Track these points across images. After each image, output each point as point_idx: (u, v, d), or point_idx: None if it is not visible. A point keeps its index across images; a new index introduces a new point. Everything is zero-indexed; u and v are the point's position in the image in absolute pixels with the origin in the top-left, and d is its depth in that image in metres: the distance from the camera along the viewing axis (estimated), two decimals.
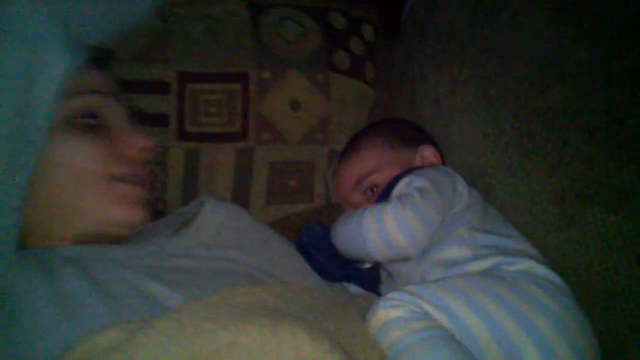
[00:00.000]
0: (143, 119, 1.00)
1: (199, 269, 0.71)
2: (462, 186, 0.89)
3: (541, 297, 0.72)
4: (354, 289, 0.91)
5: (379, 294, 0.87)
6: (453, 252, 0.79)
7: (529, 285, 0.73)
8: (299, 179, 1.11)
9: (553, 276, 0.77)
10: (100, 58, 0.85)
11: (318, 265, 0.87)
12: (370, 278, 0.90)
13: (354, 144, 1.03)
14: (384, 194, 0.89)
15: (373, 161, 0.98)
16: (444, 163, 1.02)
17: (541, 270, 0.77)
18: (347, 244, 0.83)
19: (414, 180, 0.85)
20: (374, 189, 0.96)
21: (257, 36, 1.09)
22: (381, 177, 0.96)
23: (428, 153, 1.00)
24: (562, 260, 0.82)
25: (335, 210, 1.12)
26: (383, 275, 0.91)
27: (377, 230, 0.78)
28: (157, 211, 1.03)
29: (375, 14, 1.24)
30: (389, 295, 0.68)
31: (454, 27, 1.09)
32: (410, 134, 1.03)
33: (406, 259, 0.81)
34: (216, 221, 0.82)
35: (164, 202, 1.04)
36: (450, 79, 1.07)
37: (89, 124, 0.73)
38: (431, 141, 1.04)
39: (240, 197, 1.08)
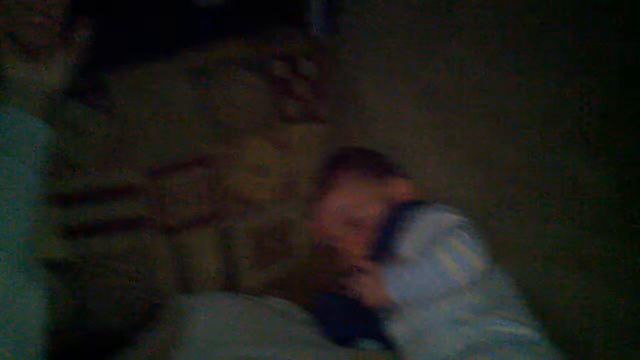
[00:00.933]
0: (122, 226, 1.03)
1: None
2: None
3: None
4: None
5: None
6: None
7: None
8: (279, 239, 1.16)
9: None
10: None
11: (338, 330, 0.95)
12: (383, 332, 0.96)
13: (329, 179, 1.08)
14: (388, 230, 0.97)
15: (353, 196, 1.04)
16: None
17: None
18: (423, 289, 0.87)
19: (442, 215, 0.94)
20: (356, 224, 1.02)
21: (210, 113, 1.09)
22: (364, 212, 1.02)
23: (403, 188, 1.06)
24: None
25: (316, 259, 1.18)
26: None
27: (456, 261, 0.85)
28: (153, 304, 1.07)
29: (308, 41, 1.24)
30: None
31: (399, 60, 1.11)
32: (379, 166, 1.09)
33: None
34: (202, 328, 0.88)
35: (160, 296, 1.07)
36: (400, 114, 1.11)
37: None
38: (398, 171, 1.10)
39: (230, 271, 1.12)
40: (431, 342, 0.87)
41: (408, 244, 0.94)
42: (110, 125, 1.03)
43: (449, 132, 1.01)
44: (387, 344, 0.94)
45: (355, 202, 1.03)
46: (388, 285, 0.88)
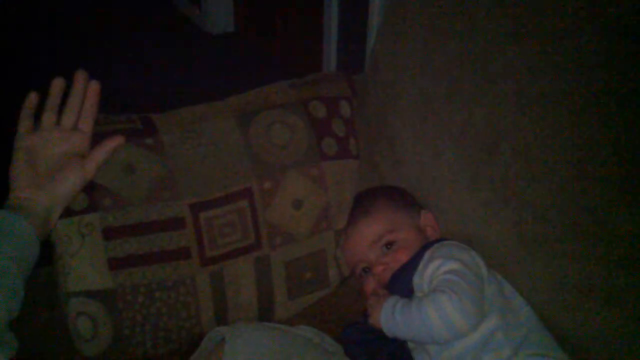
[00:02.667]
0: (166, 257, 1.08)
1: None
2: (478, 259, 1.02)
3: None
4: None
5: None
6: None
7: None
8: (313, 270, 1.21)
9: None
10: None
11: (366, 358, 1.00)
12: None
13: (365, 206, 1.16)
14: (409, 265, 1.03)
15: (387, 221, 1.12)
16: None
17: None
18: (408, 332, 0.95)
19: (445, 263, 0.98)
20: (390, 246, 1.09)
21: (250, 150, 1.15)
22: (398, 235, 1.10)
23: (431, 220, 1.15)
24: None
25: (347, 289, 1.23)
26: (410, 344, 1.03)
27: (442, 321, 0.90)
28: (193, 334, 1.12)
29: (347, 84, 1.30)
30: None
31: (430, 101, 1.17)
32: (410, 199, 1.18)
33: None
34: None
35: (200, 325, 1.12)
36: (433, 152, 1.16)
37: None
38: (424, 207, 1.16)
39: (264, 300, 1.18)
40: None
41: (418, 280, 1.00)
42: (158, 163, 1.08)
43: (480, 172, 1.06)
44: None
45: (389, 227, 1.10)
46: (381, 316, 0.96)
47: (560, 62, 0.97)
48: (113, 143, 1.05)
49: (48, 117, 1.02)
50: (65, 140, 1.02)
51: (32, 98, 1.01)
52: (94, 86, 1.05)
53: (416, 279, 1.01)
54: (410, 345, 1.01)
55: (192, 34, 2.78)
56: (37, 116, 1.02)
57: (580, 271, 0.95)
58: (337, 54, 1.91)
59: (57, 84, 1.03)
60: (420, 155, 1.18)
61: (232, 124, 1.15)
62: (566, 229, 0.95)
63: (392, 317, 0.96)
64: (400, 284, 1.03)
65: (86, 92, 1.04)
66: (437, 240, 1.08)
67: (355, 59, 1.58)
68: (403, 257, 1.07)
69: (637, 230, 0.88)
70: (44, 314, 1.15)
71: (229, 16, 3.25)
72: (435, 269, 0.98)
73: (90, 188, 1.06)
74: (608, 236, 0.91)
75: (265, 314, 1.18)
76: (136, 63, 1.76)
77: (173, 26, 2.85)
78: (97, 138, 1.06)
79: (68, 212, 1.05)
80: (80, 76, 1.04)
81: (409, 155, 1.20)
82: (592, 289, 0.94)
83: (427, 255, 1.03)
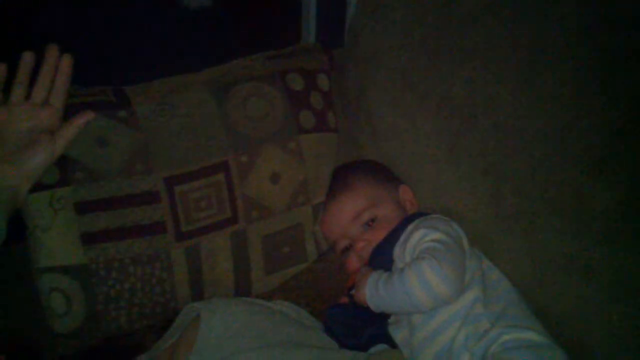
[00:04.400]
0: (140, 232, 1.06)
1: None
2: (460, 232, 1.02)
3: None
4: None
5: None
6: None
7: None
8: (291, 244, 1.20)
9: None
10: None
11: (347, 340, 1.00)
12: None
13: (344, 182, 1.16)
14: (389, 239, 1.03)
15: (367, 197, 1.12)
16: None
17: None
18: (393, 304, 0.94)
19: (428, 234, 0.97)
20: (371, 223, 1.09)
21: (226, 122, 1.13)
22: (378, 211, 1.09)
23: (409, 195, 1.15)
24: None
25: (325, 264, 1.22)
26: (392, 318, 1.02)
27: (422, 287, 0.90)
28: (168, 309, 1.11)
29: (325, 57, 1.28)
30: None
31: (409, 74, 1.16)
32: (389, 174, 1.18)
33: None
34: (215, 335, 0.94)
35: (175, 300, 1.11)
36: (411, 126, 1.15)
37: None
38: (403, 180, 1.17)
39: (241, 275, 1.17)
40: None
41: (399, 252, 1.00)
42: (132, 135, 1.06)
43: (458, 144, 1.05)
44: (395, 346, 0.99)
45: (369, 202, 1.09)
46: (366, 290, 0.95)
47: (540, 33, 0.96)
48: (83, 119, 1.02)
49: (17, 92, 0.99)
50: (34, 115, 1.00)
51: (1, 71, 0.98)
52: (66, 60, 1.02)
53: (397, 251, 1.01)
54: (394, 319, 1.01)
55: (167, 7, 2.72)
56: (6, 90, 0.99)
57: (559, 245, 0.94)
58: (317, 29, 1.88)
59: (27, 58, 1.00)
60: (398, 128, 1.16)
61: (208, 96, 1.13)
62: (545, 204, 0.95)
63: (376, 292, 0.95)
64: (382, 258, 1.02)
65: (58, 66, 1.02)
66: (419, 214, 1.07)
67: (335, 33, 1.56)
68: (383, 233, 1.06)
69: (614, 205, 0.88)
70: (17, 290, 1.13)
71: None
72: (418, 239, 0.98)
73: (62, 161, 1.03)
74: (586, 211, 0.90)
75: (242, 288, 1.17)
76: (110, 36, 1.72)
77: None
78: (69, 110, 1.04)
79: (39, 186, 1.02)
80: (51, 50, 1.01)
81: (387, 128, 1.19)
82: (570, 264, 0.93)
83: (410, 227, 1.02)
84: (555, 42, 0.95)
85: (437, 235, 0.96)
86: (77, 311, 1.06)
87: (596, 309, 0.92)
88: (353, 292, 0.99)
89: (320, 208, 1.21)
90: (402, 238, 1.00)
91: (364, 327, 1.00)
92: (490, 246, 1.03)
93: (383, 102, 1.19)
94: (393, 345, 0.98)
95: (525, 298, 0.97)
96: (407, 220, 1.04)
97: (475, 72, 1.03)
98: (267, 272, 1.19)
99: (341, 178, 1.17)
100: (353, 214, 1.09)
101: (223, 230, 1.13)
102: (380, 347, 1.00)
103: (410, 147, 1.14)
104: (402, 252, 0.99)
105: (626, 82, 0.88)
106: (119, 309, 1.08)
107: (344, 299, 1.04)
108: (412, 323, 0.96)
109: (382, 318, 1.00)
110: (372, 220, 1.09)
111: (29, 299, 1.08)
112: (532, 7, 0.98)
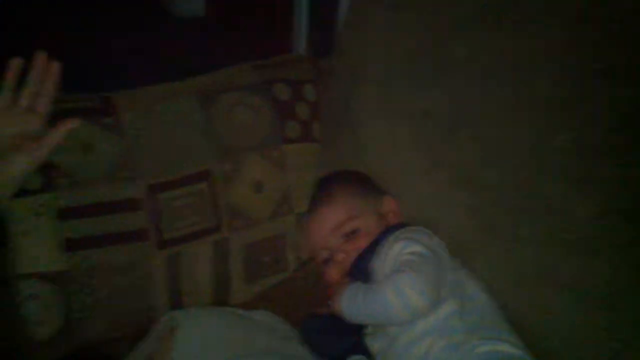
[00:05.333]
0: (122, 239, 1.06)
1: None
2: (439, 244, 1.02)
3: None
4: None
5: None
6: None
7: None
8: (272, 253, 1.21)
9: None
10: None
11: (325, 351, 1.01)
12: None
13: (326, 192, 1.15)
14: (370, 250, 1.03)
15: (348, 208, 1.11)
16: None
17: None
18: (369, 315, 0.95)
19: (408, 246, 0.98)
20: (352, 234, 1.09)
21: (211, 131, 1.14)
22: (360, 223, 1.09)
23: (392, 206, 1.14)
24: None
25: (305, 273, 1.23)
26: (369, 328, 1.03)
27: (399, 300, 0.90)
28: (146, 317, 1.11)
29: (312, 68, 1.29)
30: None
31: (392, 87, 1.17)
32: (371, 185, 1.18)
33: None
34: (192, 345, 0.94)
35: (153, 309, 1.11)
36: (393, 137, 1.16)
37: None
38: (385, 191, 1.17)
39: (221, 284, 1.17)
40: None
41: (379, 264, 1.00)
42: (117, 142, 1.06)
43: (439, 155, 1.07)
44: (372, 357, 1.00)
45: (350, 214, 1.09)
46: (342, 301, 0.96)
47: (522, 48, 0.98)
48: (68, 126, 1.02)
49: (3, 97, 1.00)
50: (20, 121, 1.00)
51: None
52: (54, 68, 1.02)
53: (376, 263, 1.01)
54: (371, 330, 1.01)
55: (160, 17, 2.73)
56: None
57: (535, 257, 0.95)
58: (307, 39, 1.89)
59: (15, 64, 1.01)
60: (381, 140, 1.17)
61: (194, 105, 1.14)
62: (522, 215, 0.96)
63: (353, 303, 0.95)
64: (361, 270, 1.03)
65: (45, 73, 1.02)
66: (400, 225, 1.08)
67: (325, 44, 1.56)
68: (363, 244, 1.06)
69: (589, 218, 0.89)
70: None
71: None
72: (397, 251, 0.98)
73: (46, 167, 1.03)
74: (561, 222, 0.92)
75: (221, 298, 1.17)
76: (100, 44, 1.73)
77: (140, 8, 2.80)
78: (54, 116, 1.04)
79: (23, 192, 1.02)
80: (39, 57, 1.02)
81: (370, 140, 1.20)
82: (547, 275, 0.95)
83: (390, 238, 1.02)
84: (536, 57, 0.97)
85: (416, 247, 0.96)
86: (54, 318, 1.06)
87: (570, 321, 0.93)
88: (330, 302, 1.00)
89: (303, 218, 1.21)
90: (381, 250, 1.01)
91: (341, 337, 1.00)
92: (469, 256, 1.04)
93: (366, 113, 1.20)
94: (369, 355, 0.99)
95: (502, 309, 0.98)
96: (387, 231, 1.04)
97: (456, 85, 1.05)
98: (247, 281, 1.19)
99: (324, 189, 1.17)
100: (334, 225, 1.10)
101: (205, 239, 1.14)
102: (357, 357, 1.00)
103: (391, 158, 1.15)
104: (382, 263, 0.99)
105: (604, 98, 0.90)
106: (96, 317, 1.08)
107: (322, 309, 1.04)
108: (388, 334, 0.97)
109: (359, 329, 1.01)
110: (353, 231, 1.09)
111: (11, 306, 1.08)
112: (513, 22, 0.99)
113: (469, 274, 1.02)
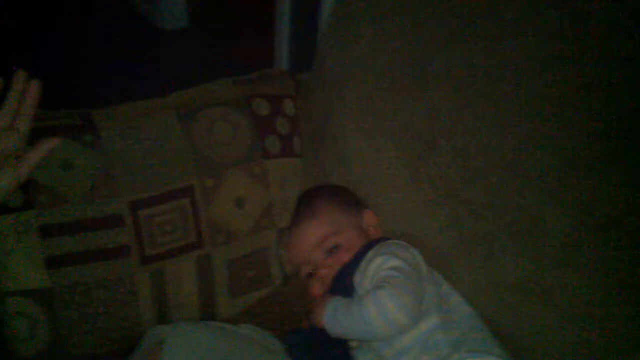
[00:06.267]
0: (104, 255, 1.07)
1: None
2: (419, 257, 1.03)
3: None
4: None
5: None
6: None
7: None
8: (255, 268, 1.21)
9: None
10: None
11: None
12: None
13: (308, 207, 1.16)
14: (351, 264, 1.04)
15: (330, 223, 1.12)
16: None
17: None
18: (350, 330, 0.96)
19: (387, 261, 0.99)
20: (334, 249, 1.09)
21: (192, 147, 1.14)
22: (341, 238, 1.10)
23: (372, 220, 1.15)
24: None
25: (290, 287, 1.23)
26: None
27: (380, 315, 0.91)
28: (132, 333, 1.11)
29: (291, 82, 1.30)
30: None
31: (372, 100, 1.18)
32: (353, 198, 1.18)
33: None
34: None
35: (140, 324, 1.11)
36: (374, 150, 1.17)
37: None
38: (366, 205, 1.18)
39: (206, 299, 1.17)
40: None
41: (360, 279, 1.01)
42: (97, 159, 1.07)
43: (419, 170, 1.07)
44: None
45: (332, 229, 1.10)
46: (324, 316, 0.97)
47: (499, 63, 0.99)
48: (48, 145, 1.02)
49: None
50: (0, 139, 1.00)
51: None
52: (34, 86, 1.02)
53: (357, 278, 1.02)
54: (355, 344, 1.02)
55: (144, 28, 2.74)
56: None
57: (516, 269, 0.96)
58: (289, 52, 1.91)
59: None
60: (362, 153, 1.18)
61: (174, 120, 1.14)
62: (502, 228, 0.97)
63: (334, 318, 0.96)
64: (342, 284, 1.03)
65: (25, 91, 1.02)
66: (380, 239, 1.09)
67: (307, 57, 1.58)
68: (345, 259, 1.07)
69: (568, 230, 0.90)
70: None
71: (183, 11, 3.24)
72: (377, 266, 0.99)
73: (26, 185, 1.03)
74: (541, 235, 0.93)
75: (207, 312, 1.18)
76: (85, 58, 1.73)
77: (125, 20, 2.81)
78: (35, 134, 1.04)
79: (3, 210, 1.02)
80: (20, 75, 1.02)
81: (351, 153, 1.21)
82: (528, 288, 0.95)
83: (370, 253, 1.03)
84: (514, 72, 0.98)
85: (395, 262, 0.97)
86: (41, 335, 1.06)
87: (552, 332, 0.94)
88: (311, 316, 1.00)
89: (285, 232, 1.22)
90: (362, 265, 1.01)
91: (326, 351, 1.01)
92: (451, 270, 1.04)
93: (347, 127, 1.21)
94: None
95: (485, 322, 0.99)
96: (368, 246, 1.05)
97: (436, 99, 1.06)
98: (232, 295, 1.19)
99: (305, 204, 1.18)
100: (316, 241, 1.10)
101: (188, 255, 1.14)
102: None
103: (372, 172, 1.16)
104: (363, 278, 1.00)
105: (581, 113, 0.91)
106: (83, 333, 1.08)
107: (306, 323, 1.05)
108: (373, 348, 0.97)
109: (344, 342, 1.01)
110: (336, 246, 1.09)
111: None
112: (491, 37, 1.00)
113: (451, 287, 1.03)
